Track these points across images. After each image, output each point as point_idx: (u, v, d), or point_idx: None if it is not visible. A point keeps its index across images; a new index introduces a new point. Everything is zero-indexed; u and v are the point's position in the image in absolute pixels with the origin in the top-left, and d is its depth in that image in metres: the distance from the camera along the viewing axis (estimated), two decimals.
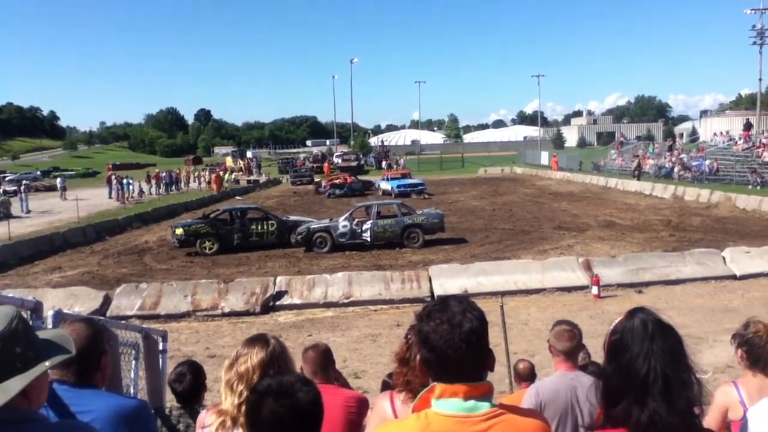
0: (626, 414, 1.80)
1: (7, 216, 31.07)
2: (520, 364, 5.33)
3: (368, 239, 20.36)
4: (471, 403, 1.77)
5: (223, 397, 2.48)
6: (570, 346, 3.55)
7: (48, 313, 3.16)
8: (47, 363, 1.75)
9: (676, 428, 1.76)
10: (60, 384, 2.29)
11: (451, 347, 1.76)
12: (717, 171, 36.08)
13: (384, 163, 67.54)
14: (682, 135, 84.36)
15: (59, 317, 3.15)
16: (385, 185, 42.08)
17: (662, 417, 1.75)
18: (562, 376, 3.46)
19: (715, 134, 51.93)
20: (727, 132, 49.92)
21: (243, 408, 2.32)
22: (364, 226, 20.37)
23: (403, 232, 20.40)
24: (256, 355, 2.46)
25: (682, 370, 1.82)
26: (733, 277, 14.08)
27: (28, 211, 35.93)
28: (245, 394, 2.35)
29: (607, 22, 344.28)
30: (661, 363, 1.79)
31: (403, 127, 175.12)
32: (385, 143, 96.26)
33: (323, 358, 3.58)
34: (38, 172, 79.15)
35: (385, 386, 4.21)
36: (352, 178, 46.11)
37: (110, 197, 43.29)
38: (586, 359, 4.47)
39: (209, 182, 50.94)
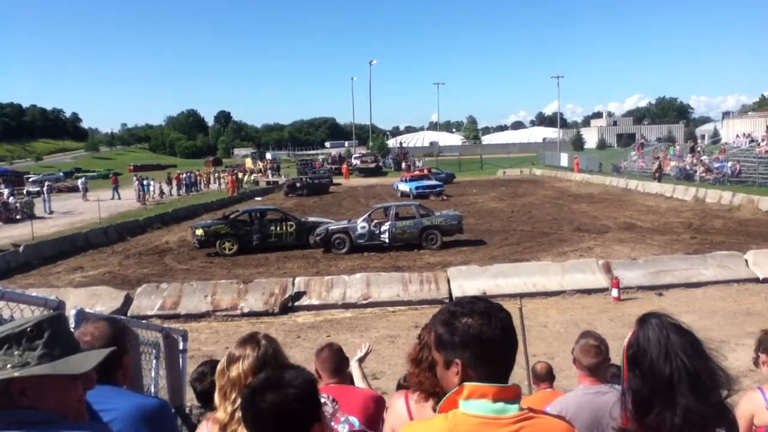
0: (659, 421, 1.76)
1: (31, 216, 31.54)
2: (538, 365, 5.32)
3: (386, 240, 20.36)
4: (500, 405, 1.75)
5: (217, 404, 2.44)
6: (595, 362, 3.47)
7: (70, 312, 3.19)
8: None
9: (710, 420, 1.73)
10: None
11: (488, 337, 1.76)
12: (739, 173, 35.62)
13: (403, 165, 67.64)
14: (703, 136, 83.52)
15: (81, 316, 3.18)
16: (404, 187, 42.08)
17: (694, 413, 1.71)
18: (585, 391, 3.40)
19: (737, 136, 51.36)
20: (750, 134, 49.33)
21: (236, 415, 2.28)
22: (383, 228, 20.37)
23: (421, 234, 20.38)
24: (247, 359, 2.41)
25: (706, 359, 1.79)
26: (756, 280, 13.89)
27: (51, 212, 36.43)
28: (239, 401, 2.27)
29: (628, 23, 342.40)
30: (684, 358, 1.76)
31: (421, 129, 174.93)
32: (404, 145, 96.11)
33: (337, 358, 3.59)
34: (61, 173, 80.00)
35: (400, 389, 4.22)
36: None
37: (112, 198, 43.60)
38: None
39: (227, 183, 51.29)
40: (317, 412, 1.89)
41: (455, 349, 1.80)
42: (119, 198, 44.19)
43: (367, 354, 4.38)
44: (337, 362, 3.55)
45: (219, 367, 2.48)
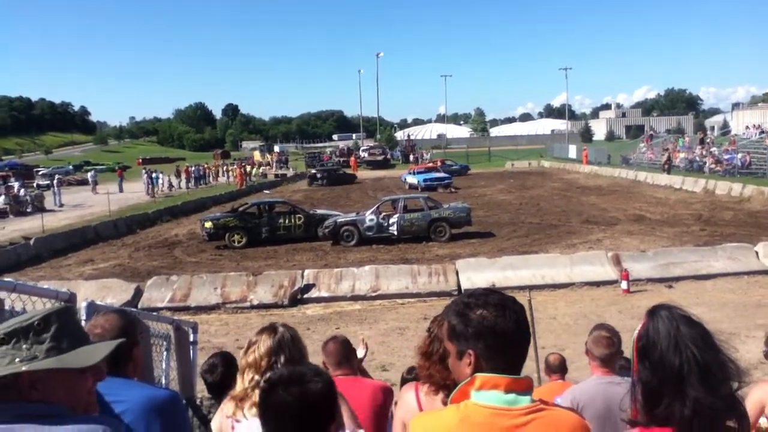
0: (669, 413, 1.75)
1: (41, 209, 31.73)
2: (552, 357, 5.32)
3: (395, 233, 20.36)
4: (511, 396, 1.75)
5: (238, 384, 2.63)
6: (607, 353, 3.50)
7: (81, 304, 3.22)
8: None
9: (720, 412, 1.72)
10: None
11: (502, 329, 1.77)
12: (749, 164, 35.36)
13: (411, 157, 67.57)
14: (713, 128, 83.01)
15: (92, 309, 3.20)
16: (412, 179, 42.00)
17: (704, 405, 1.70)
18: (598, 380, 3.42)
19: (747, 127, 51.08)
20: (760, 125, 49.00)
21: (254, 391, 2.44)
22: (391, 220, 20.37)
23: (429, 226, 20.37)
24: (263, 344, 2.57)
25: (716, 351, 1.78)
26: (767, 272, 13.82)
27: (61, 205, 36.60)
28: (255, 378, 2.50)
29: (636, 14, 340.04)
30: (693, 349, 1.75)
31: (429, 121, 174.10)
32: (412, 137, 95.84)
33: (344, 349, 3.59)
34: (70, 167, 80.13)
35: (404, 383, 4.23)
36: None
37: (121, 191, 43.92)
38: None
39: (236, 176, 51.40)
40: (336, 410, 1.90)
41: (468, 340, 1.81)
42: (122, 191, 44.36)
43: (364, 356, 4.37)
44: (343, 353, 3.55)
45: (242, 352, 2.68)
